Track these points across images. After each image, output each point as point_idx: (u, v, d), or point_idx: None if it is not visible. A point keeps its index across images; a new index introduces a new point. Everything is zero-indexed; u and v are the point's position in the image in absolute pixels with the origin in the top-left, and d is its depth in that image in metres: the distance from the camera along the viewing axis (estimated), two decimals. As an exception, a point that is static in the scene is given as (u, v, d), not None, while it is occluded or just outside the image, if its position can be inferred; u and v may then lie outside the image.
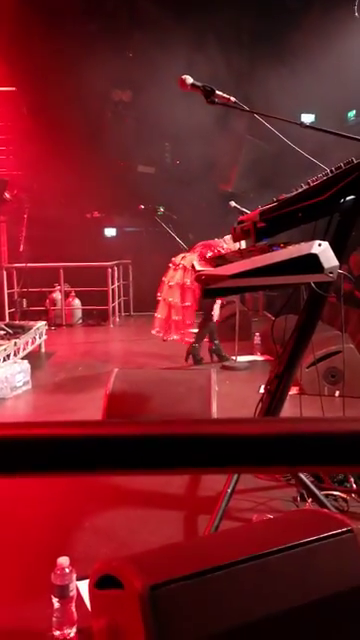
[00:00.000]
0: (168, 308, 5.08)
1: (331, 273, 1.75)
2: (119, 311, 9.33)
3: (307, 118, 10.07)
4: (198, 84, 2.24)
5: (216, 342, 5.55)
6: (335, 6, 8.56)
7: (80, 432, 0.54)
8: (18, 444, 0.53)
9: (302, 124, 2.12)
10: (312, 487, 2.28)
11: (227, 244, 5.03)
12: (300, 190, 1.92)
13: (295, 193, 1.92)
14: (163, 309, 5.13)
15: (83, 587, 1.87)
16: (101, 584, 1.48)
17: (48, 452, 0.53)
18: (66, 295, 8.69)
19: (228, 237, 5.10)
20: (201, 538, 1.96)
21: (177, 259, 5.14)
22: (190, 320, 5.12)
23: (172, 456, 0.54)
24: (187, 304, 5.01)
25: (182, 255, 5.17)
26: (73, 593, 1.71)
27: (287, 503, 2.51)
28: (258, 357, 5.74)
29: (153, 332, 5.25)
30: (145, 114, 10.05)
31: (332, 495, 2.46)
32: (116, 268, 9.10)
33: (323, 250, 1.75)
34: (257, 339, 5.95)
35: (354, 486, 2.49)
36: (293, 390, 4.04)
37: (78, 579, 1.81)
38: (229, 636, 1.24)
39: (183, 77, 2.24)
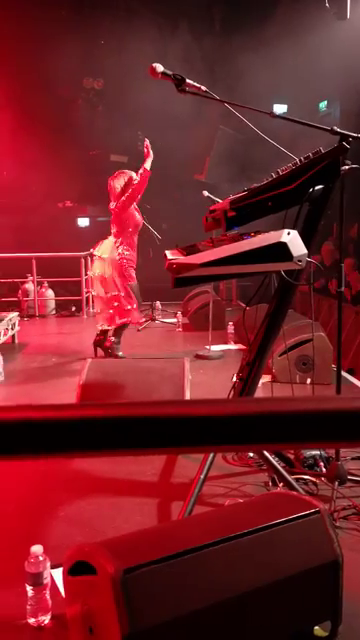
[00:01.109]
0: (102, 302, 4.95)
1: (300, 261, 1.79)
2: (92, 301, 9.26)
3: (279, 108, 10.13)
4: (168, 72, 2.23)
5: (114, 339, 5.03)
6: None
7: (57, 415, 0.55)
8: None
9: (272, 114, 2.13)
10: (282, 471, 2.33)
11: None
12: (269, 179, 1.94)
13: (265, 182, 1.94)
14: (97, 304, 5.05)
15: (57, 575, 1.88)
16: (74, 570, 1.50)
17: (25, 435, 0.54)
18: (39, 285, 8.59)
19: None
20: (173, 522, 1.99)
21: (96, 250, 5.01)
22: (131, 302, 4.91)
23: (148, 437, 0.55)
24: (114, 293, 4.85)
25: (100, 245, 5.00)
26: (47, 581, 1.72)
27: (259, 488, 2.56)
28: (232, 346, 5.79)
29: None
30: (118, 102, 9.95)
31: (302, 479, 2.51)
32: (89, 258, 9.01)
33: (292, 238, 1.78)
34: (230, 328, 5.99)
35: (324, 470, 2.55)
36: (266, 378, 4.10)
37: (52, 567, 1.82)
38: (201, 617, 1.27)
39: (153, 65, 2.23)
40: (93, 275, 5.04)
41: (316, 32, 8.56)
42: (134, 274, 4.99)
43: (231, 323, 6.08)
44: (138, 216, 4.98)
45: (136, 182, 4.76)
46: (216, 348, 5.56)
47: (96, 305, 5.11)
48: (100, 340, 5.07)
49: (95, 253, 5.02)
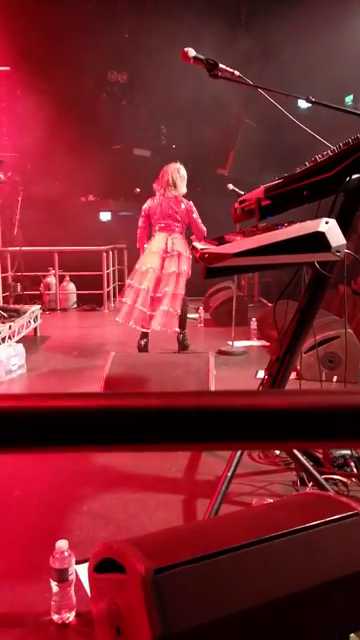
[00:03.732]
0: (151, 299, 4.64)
1: (338, 252, 1.71)
2: (114, 296, 9.26)
3: (304, 102, 9.96)
4: (201, 57, 2.16)
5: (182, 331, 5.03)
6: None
7: (80, 404, 0.50)
8: (14, 416, 0.49)
9: (308, 99, 2.05)
10: (313, 471, 2.25)
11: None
12: (307, 167, 1.86)
13: (302, 169, 1.86)
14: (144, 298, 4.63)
15: (81, 571, 1.84)
16: (101, 568, 1.45)
17: (46, 425, 0.49)
18: (60, 279, 8.60)
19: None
20: (203, 521, 1.93)
21: (168, 246, 4.73)
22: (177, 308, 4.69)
23: (178, 430, 0.50)
24: (179, 292, 4.64)
25: (170, 241, 4.74)
26: (72, 577, 1.68)
27: (287, 487, 2.49)
28: (254, 342, 5.72)
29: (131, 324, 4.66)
30: (141, 97, 9.90)
31: (332, 479, 2.44)
32: (111, 252, 9.01)
33: (330, 228, 1.70)
34: (253, 324, 5.91)
35: (354, 470, 2.47)
36: (291, 375, 4.02)
37: (76, 563, 1.78)
38: (234, 620, 1.21)
39: (185, 50, 2.17)
40: (166, 272, 4.69)
41: (341, 23, 8.41)
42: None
43: (254, 319, 6.00)
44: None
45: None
46: (239, 344, 5.49)
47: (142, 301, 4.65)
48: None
49: (170, 249, 4.73)
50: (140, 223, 4.89)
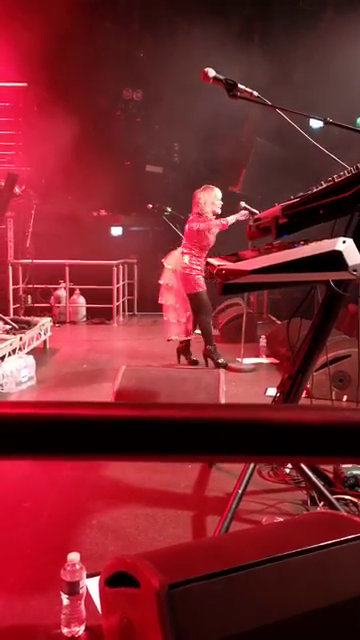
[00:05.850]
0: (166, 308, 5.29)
1: (355, 271, 1.72)
2: (123, 310, 9.29)
3: (315, 123, 10.04)
4: (220, 77, 2.21)
5: (210, 347, 5.27)
6: (344, 12, 8.58)
7: (91, 413, 0.51)
8: (23, 423, 0.51)
9: (325, 120, 2.08)
10: (324, 490, 2.24)
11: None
12: (324, 186, 1.88)
13: (320, 188, 1.88)
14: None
15: (90, 585, 1.83)
16: (113, 581, 1.44)
17: (66, 433, 0.50)
18: (71, 292, 8.65)
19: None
20: (215, 538, 1.93)
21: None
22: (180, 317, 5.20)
23: (191, 441, 0.51)
24: (168, 303, 5.19)
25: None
26: (83, 590, 1.68)
27: (297, 506, 2.47)
28: (264, 360, 5.70)
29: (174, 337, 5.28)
30: (155, 114, 10.03)
31: (342, 499, 2.42)
32: (121, 267, 9.07)
33: (347, 247, 1.71)
34: (262, 341, 5.91)
35: (366, 490, 2.45)
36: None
37: (86, 576, 1.77)
38: (248, 638, 1.20)
39: (205, 70, 2.21)
40: (163, 283, 5.26)
41: (353, 44, 8.52)
42: (202, 283, 5.06)
43: (263, 336, 5.99)
44: (212, 237, 5.06)
45: (212, 222, 4.99)
46: (248, 361, 5.48)
47: (170, 314, 5.25)
48: (184, 347, 5.34)
49: (165, 264, 5.24)
50: None
